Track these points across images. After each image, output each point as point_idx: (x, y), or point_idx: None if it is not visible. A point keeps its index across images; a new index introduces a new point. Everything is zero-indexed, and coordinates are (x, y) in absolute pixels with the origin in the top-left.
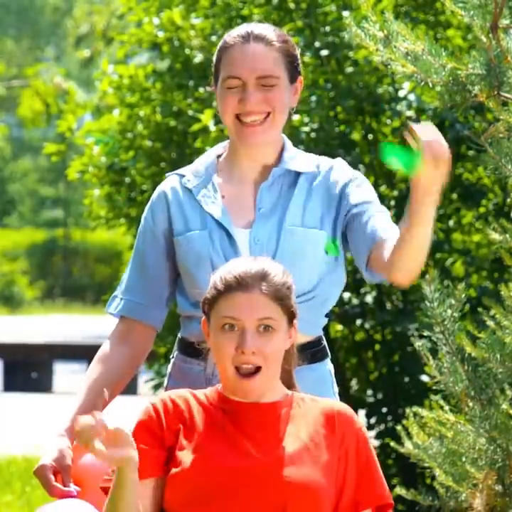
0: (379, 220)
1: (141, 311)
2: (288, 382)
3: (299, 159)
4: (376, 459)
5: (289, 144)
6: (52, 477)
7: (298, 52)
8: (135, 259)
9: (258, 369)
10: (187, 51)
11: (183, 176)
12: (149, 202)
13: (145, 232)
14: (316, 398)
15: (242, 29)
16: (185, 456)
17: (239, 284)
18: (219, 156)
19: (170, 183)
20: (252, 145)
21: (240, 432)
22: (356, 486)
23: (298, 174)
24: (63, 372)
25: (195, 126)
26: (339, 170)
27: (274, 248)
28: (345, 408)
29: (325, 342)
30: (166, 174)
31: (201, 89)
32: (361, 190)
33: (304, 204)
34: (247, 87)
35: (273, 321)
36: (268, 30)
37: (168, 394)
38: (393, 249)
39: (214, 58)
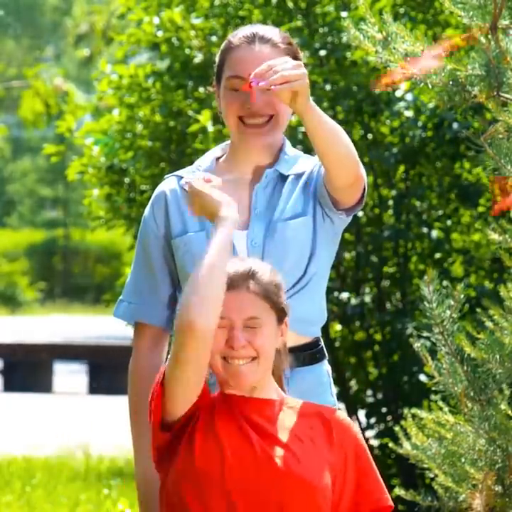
0: None
1: (154, 315)
2: (278, 382)
3: (294, 162)
4: (373, 463)
5: (288, 145)
6: None
7: (301, 55)
8: (140, 261)
9: (253, 359)
10: (187, 51)
11: (181, 177)
12: (149, 203)
13: (148, 234)
14: (312, 403)
15: (247, 30)
16: (185, 448)
17: (227, 284)
18: (218, 158)
19: (168, 184)
20: (253, 147)
21: (237, 426)
22: (356, 490)
23: (288, 175)
24: (63, 372)
25: (194, 127)
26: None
27: (262, 246)
28: (341, 413)
29: (322, 343)
30: (165, 176)
31: (201, 90)
32: None
33: (287, 199)
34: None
35: (259, 321)
36: (273, 32)
37: None
38: (318, 156)
39: (217, 59)
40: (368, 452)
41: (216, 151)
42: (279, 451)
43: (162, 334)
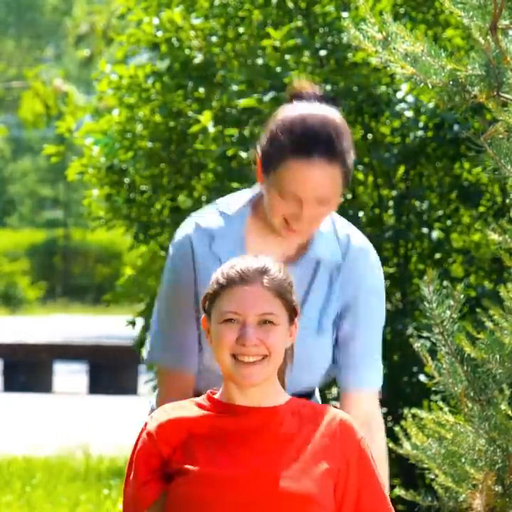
0: (362, 372)
1: (184, 362)
2: (281, 383)
3: (327, 242)
4: (376, 469)
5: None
6: None
7: None
8: (170, 308)
9: (264, 358)
10: (186, 51)
11: (212, 236)
12: (177, 250)
13: (178, 283)
14: (316, 405)
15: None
16: (182, 467)
17: (241, 278)
18: (251, 200)
19: (198, 239)
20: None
21: (237, 439)
22: (357, 498)
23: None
24: (63, 372)
25: (195, 128)
26: (363, 271)
27: None
28: (347, 418)
29: None
30: (193, 218)
31: (201, 90)
32: (366, 316)
33: (323, 304)
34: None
35: (274, 317)
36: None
37: (163, 409)
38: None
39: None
40: (372, 459)
41: (246, 194)
42: (277, 468)
43: (189, 379)
